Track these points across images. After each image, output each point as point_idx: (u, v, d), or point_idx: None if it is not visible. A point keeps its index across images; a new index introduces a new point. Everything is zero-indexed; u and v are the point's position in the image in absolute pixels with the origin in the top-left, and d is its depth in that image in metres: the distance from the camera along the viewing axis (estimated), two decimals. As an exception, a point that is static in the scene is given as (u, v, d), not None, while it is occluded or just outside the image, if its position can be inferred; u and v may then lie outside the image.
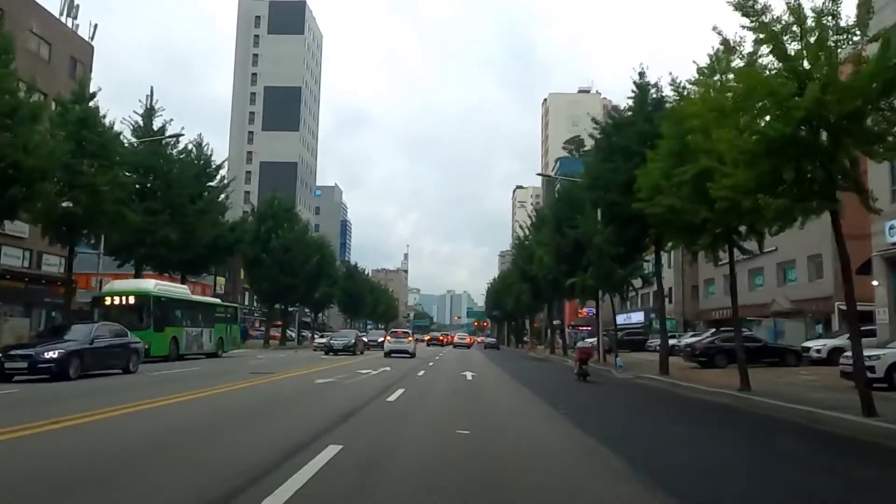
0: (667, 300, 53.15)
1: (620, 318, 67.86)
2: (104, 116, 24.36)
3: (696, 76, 12.70)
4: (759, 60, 10.20)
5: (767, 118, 9.88)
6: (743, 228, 14.90)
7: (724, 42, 10.82)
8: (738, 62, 10.67)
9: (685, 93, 14.98)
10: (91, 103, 24.25)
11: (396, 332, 40.30)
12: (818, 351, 25.03)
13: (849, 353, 12.76)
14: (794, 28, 9.74)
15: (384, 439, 7.52)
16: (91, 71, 37.14)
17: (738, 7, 10.12)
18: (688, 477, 5.99)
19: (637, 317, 58.13)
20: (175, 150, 31.13)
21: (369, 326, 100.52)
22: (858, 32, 9.57)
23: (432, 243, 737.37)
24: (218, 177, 34.76)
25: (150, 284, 25.73)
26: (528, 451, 7.16)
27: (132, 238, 27.28)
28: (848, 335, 13.79)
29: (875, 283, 21.28)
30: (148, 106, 30.32)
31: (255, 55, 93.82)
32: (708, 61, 11.98)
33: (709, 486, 5.61)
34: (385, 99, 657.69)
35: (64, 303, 25.57)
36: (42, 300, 31.99)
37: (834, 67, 9.43)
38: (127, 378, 15.91)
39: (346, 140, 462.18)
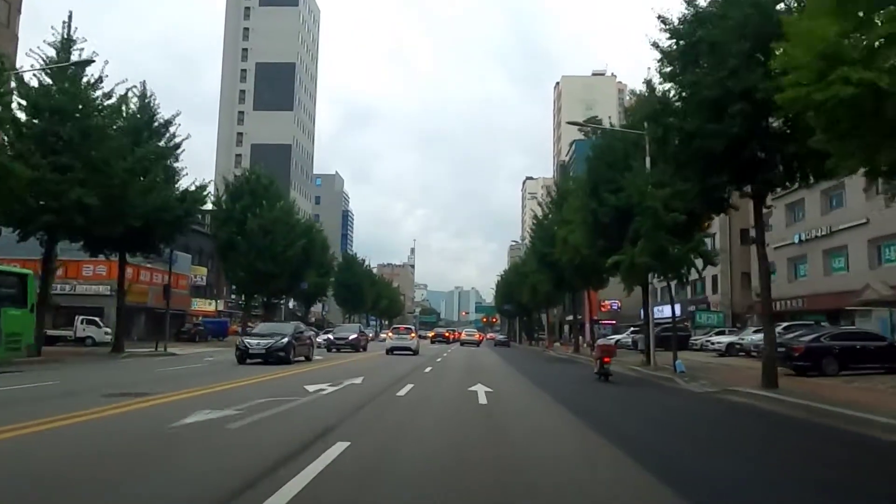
0: (712, 290, 46.60)
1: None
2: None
3: None
4: None
5: None
6: None
7: None
8: None
9: None
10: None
11: (399, 328, 37.34)
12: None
13: None
14: None
15: None
16: None
17: None
18: None
19: (670, 310, 50.83)
20: (102, 94, 24.10)
21: (373, 322, 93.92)
22: None
23: (441, 240, 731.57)
24: (167, 136, 28.02)
25: None
26: None
27: (31, 203, 20.56)
28: None
29: None
30: (65, 36, 23.44)
31: (246, 29, 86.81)
32: None
33: None
34: (393, 95, 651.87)
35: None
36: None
37: None
38: None
39: (355, 136, 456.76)
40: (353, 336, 35.64)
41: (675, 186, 17.71)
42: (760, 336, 28.43)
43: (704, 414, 11.73)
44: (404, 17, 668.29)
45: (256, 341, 20.81)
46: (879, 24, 7.99)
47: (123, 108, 25.76)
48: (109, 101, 24.12)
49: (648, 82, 17.58)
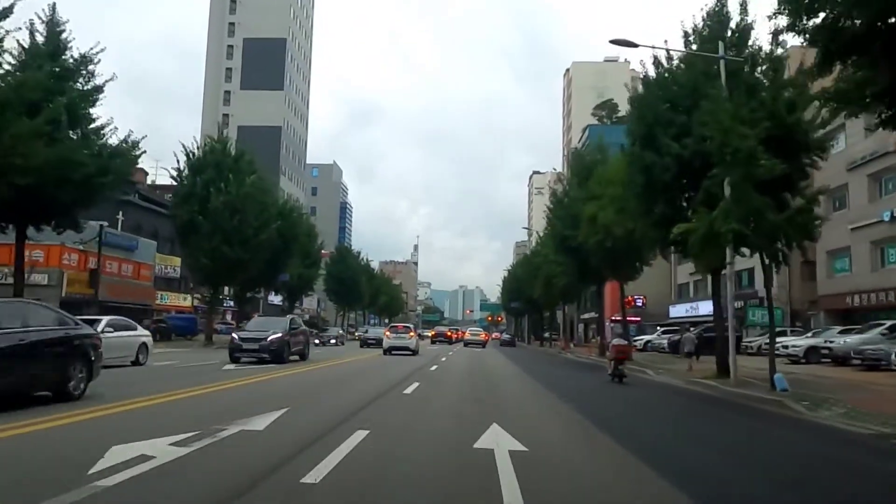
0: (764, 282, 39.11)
1: (678, 310, 53.65)
2: None
3: None
4: None
5: None
6: None
7: None
8: None
9: None
10: None
11: (396, 326, 34.67)
12: None
13: None
14: None
15: None
16: None
17: None
18: None
19: (708, 306, 43.82)
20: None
21: (372, 321, 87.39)
22: None
23: (445, 239, 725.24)
24: (84, 75, 21.51)
25: None
26: None
27: None
28: None
29: None
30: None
31: (233, 1, 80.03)
32: None
33: None
34: (397, 92, 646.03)
35: None
36: None
37: None
38: None
39: (359, 134, 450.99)
40: (271, 338, 20.02)
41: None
42: (858, 338, 21.87)
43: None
44: (405, 15, 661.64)
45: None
46: None
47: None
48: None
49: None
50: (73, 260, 36.47)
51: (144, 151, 23.54)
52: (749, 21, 17.52)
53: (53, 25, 21.48)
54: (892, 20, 9.38)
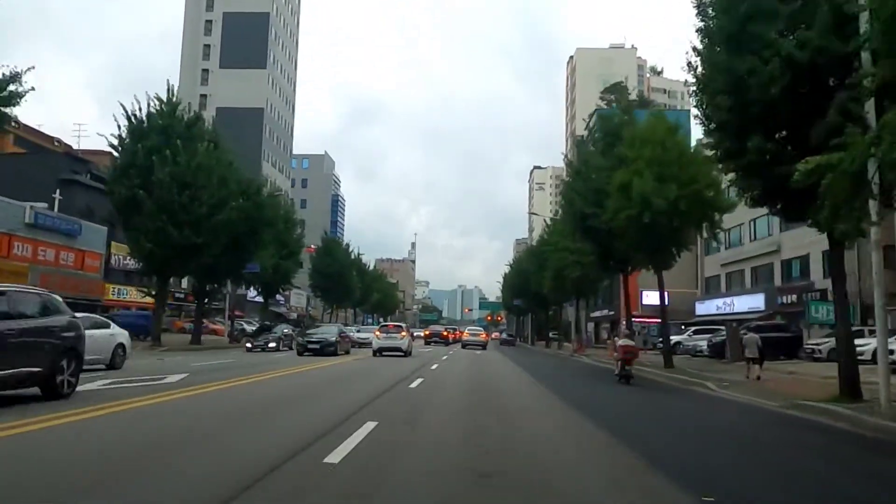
0: (824, 273, 32.88)
1: (706, 307, 46.79)
2: None
3: None
4: None
5: None
6: None
7: None
8: None
9: None
10: None
11: (387, 326, 33.34)
12: None
13: None
14: None
15: None
16: None
17: None
18: None
19: (747, 302, 37.77)
20: None
21: (368, 321, 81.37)
22: None
23: (444, 238, 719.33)
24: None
25: None
26: None
27: None
28: None
29: None
30: None
31: (212, -29, 73.92)
32: None
33: None
34: (398, 91, 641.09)
35: None
36: None
37: None
38: None
39: (360, 133, 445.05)
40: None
41: None
42: None
43: None
44: (407, 12, 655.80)
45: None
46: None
47: None
48: None
49: None
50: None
51: (33, 88, 17.59)
52: None
53: None
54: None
